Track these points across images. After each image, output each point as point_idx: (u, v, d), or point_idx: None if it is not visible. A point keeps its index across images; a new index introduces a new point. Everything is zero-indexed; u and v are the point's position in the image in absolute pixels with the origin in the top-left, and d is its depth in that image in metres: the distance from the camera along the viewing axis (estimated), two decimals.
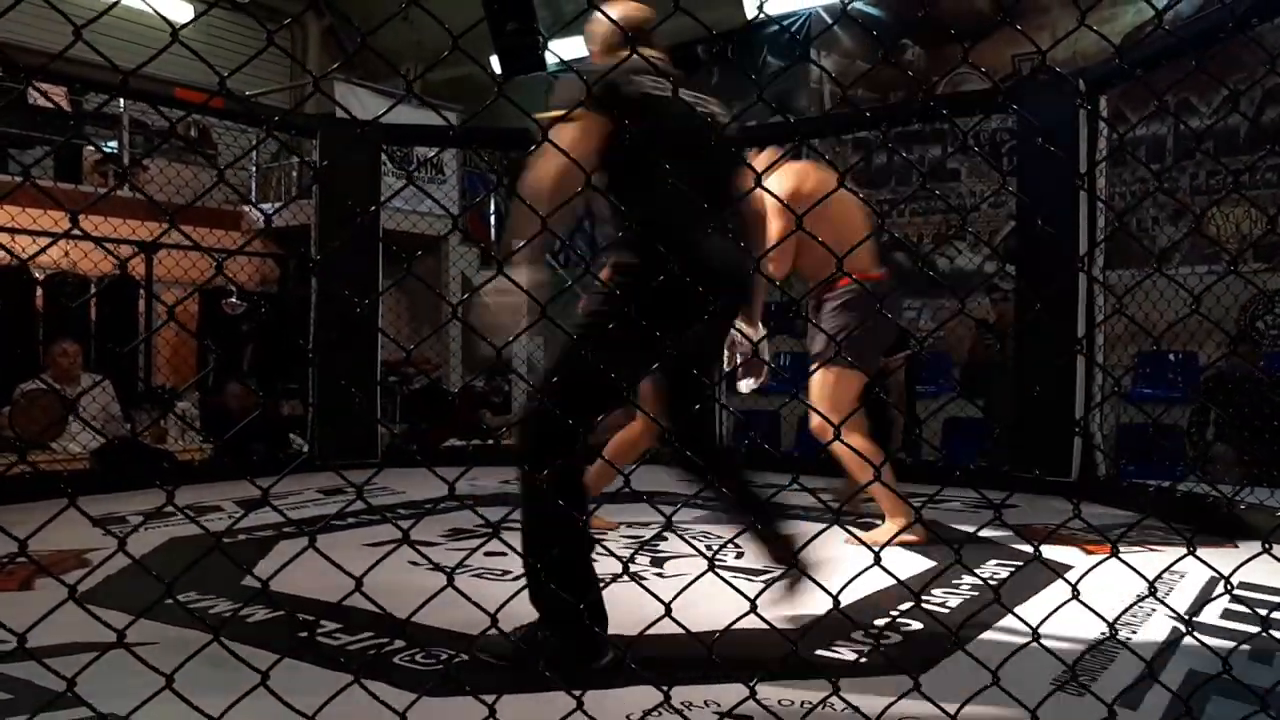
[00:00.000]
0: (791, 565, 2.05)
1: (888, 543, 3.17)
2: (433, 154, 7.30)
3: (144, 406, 5.68)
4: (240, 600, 2.36)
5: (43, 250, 4.87)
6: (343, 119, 5.42)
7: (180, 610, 1.67)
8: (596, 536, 3.34)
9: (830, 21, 7.88)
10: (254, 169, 8.21)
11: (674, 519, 1.24)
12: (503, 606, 1.22)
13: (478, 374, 7.36)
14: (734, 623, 1.22)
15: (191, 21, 1.76)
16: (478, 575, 2.73)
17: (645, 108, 1.94)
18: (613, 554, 3.01)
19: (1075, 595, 1.16)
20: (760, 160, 3.46)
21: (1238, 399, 4.92)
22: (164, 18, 1.26)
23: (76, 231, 1.16)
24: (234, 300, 6.18)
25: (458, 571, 1.24)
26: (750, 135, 6.53)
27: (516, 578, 2.67)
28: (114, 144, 7.56)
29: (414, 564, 2.70)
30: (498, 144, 6.55)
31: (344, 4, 9.44)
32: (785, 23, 8.38)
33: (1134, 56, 4.38)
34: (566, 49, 8.75)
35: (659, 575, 2.83)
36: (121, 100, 6.59)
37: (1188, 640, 2.06)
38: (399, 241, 6.47)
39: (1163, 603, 2.18)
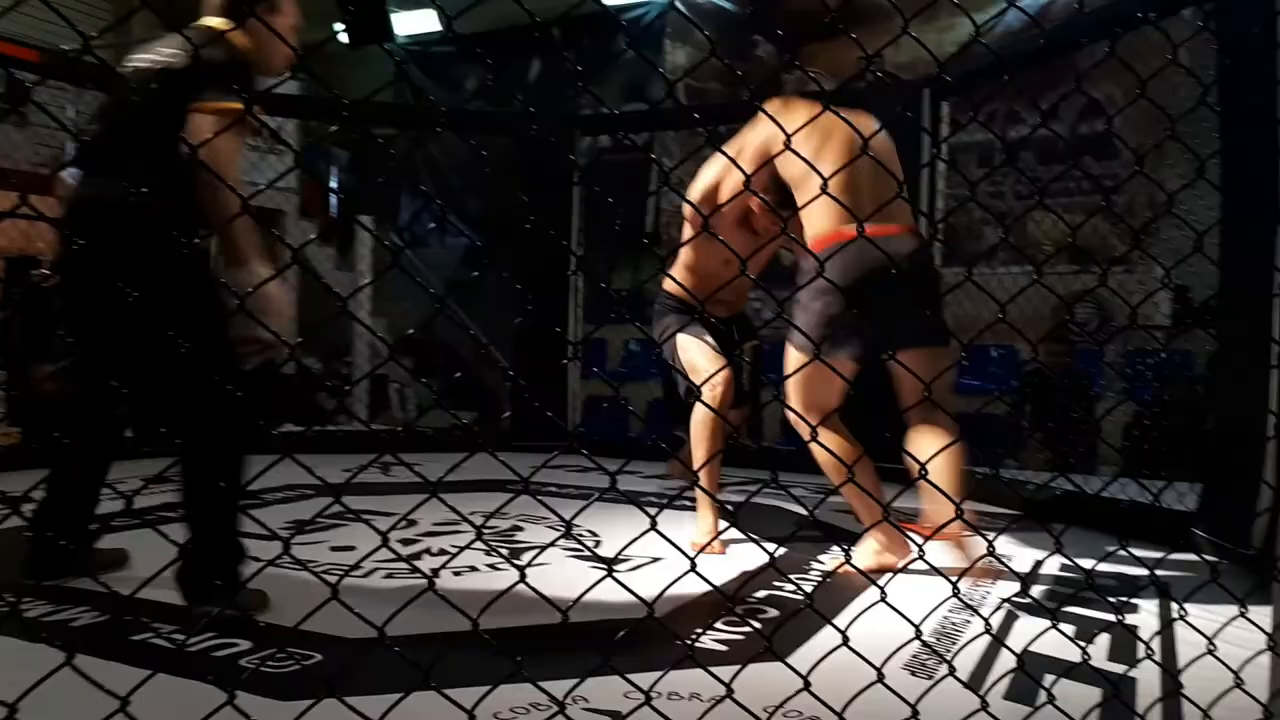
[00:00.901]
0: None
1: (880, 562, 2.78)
2: (274, 123, 6.92)
3: None
4: (59, 602, 2.16)
5: None
6: None
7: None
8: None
9: (684, 13, 7.97)
10: (72, 129, 7.53)
11: (517, 504, 1.21)
12: (392, 618, 1.16)
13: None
14: (635, 624, 1.21)
15: None
16: (325, 571, 2.60)
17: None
18: (495, 549, 2.94)
19: (956, 594, 1.21)
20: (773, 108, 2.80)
21: (1050, 394, 5.32)
22: None
23: None
24: (45, 271, 5.63)
25: (290, 564, 1.17)
26: (606, 121, 6.54)
27: (368, 573, 2.58)
28: None
29: (254, 559, 2.55)
30: (338, 116, 6.28)
31: None
32: (639, 11, 8.39)
33: (969, 67, 4.63)
34: (415, 21, 8.48)
35: (516, 567, 2.79)
36: None
37: (1020, 622, 2.21)
38: None
39: (1028, 593, 2.33)
